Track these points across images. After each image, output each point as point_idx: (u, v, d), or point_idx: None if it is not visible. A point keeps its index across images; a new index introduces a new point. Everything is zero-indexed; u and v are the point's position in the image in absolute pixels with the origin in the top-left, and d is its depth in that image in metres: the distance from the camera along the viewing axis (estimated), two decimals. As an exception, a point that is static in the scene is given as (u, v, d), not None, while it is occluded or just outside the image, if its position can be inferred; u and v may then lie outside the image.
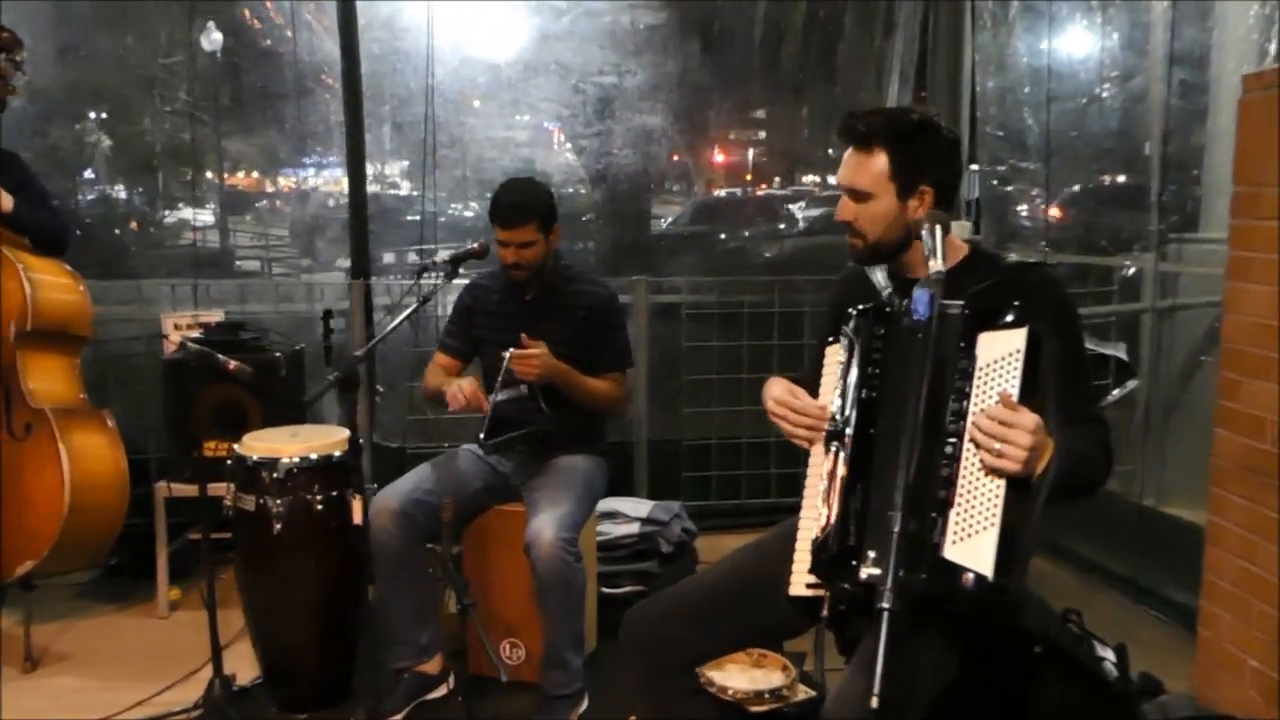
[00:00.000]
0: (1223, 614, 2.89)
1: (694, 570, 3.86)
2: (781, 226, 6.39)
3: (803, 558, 1.92)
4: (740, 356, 4.60)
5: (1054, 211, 4.68)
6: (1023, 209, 4.90)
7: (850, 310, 1.92)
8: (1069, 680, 2.38)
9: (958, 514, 1.67)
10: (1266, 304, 2.71)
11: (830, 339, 2.03)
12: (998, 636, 2.13)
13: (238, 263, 5.10)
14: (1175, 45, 3.90)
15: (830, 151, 5.36)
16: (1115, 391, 4.33)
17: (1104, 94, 4.50)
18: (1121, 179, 4.74)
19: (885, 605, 1.39)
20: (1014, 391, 1.68)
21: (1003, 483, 1.65)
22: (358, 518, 2.58)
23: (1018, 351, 1.70)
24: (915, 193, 1.99)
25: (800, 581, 1.91)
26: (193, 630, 3.58)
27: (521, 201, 3.07)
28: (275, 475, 2.88)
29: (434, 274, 2.93)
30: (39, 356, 3.47)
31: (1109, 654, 2.73)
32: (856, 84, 4.86)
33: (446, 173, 4.58)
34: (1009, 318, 1.73)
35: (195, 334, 3.83)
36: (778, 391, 2.02)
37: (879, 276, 2.07)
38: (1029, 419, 1.64)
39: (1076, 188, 4.82)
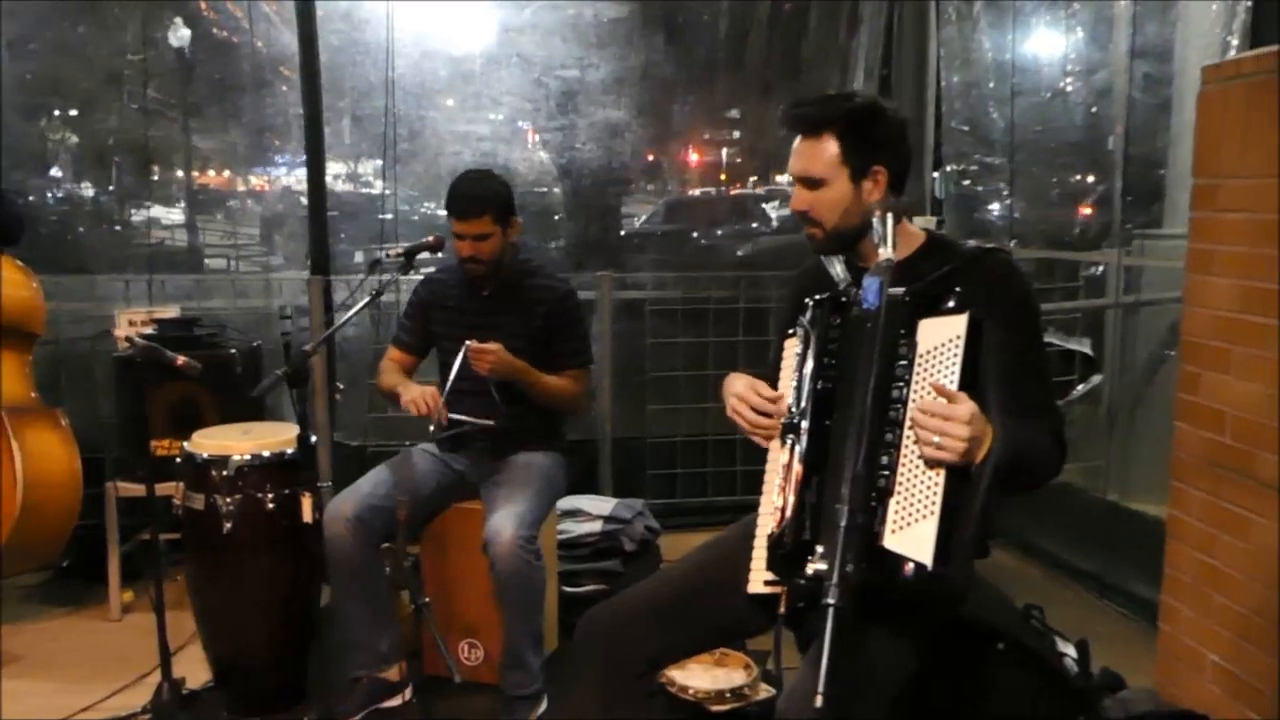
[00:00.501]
0: (1183, 608, 2.88)
1: (657, 569, 3.84)
2: (755, 225, 6.40)
3: (761, 555, 1.88)
4: (706, 353, 4.56)
5: (1019, 206, 4.68)
6: (991, 206, 4.90)
7: (807, 301, 1.88)
8: (1030, 676, 2.36)
9: (897, 502, 1.66)
10: (1227, 297, 2.70)
11: (789, 332, 2.00)
12: (958, 632, 2.12)
13: (206, 261, 5.01)
14: (1138, 40, 3.90)
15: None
16: (1080, 386, 4.35)
17: (1068, 88, 4.50)
18: (1086, 174, 4.76)
19: (831, 601, 1.35)
20: (954, 379, 1.66)
21: (942, 471, 1.64)
22: (308, 515, 2.53)
23: (958, 338, 1.69)
24: (869, 175, 1.97)
25: (758, 579, 1.88)
26: (145, 633, 3.48)
27: (477, 193, 3.02)
28: (226, 473, 2.82)
29: (388, 268, 2.88)
30: (-11, 354, 3.40)
31: (1070, 650, 2.72)
32: (822, 80, 4.83)
33: (408, 167, 4.51)
34: (950, 304, 1.71)
35: (148, 330, 3.77)
36: (739, 388, 1.99)
37: (837, 268, 2.03)
38: (965, 409, 1.62)
39: (1042, 183, 4.83)
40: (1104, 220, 4.41)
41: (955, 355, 1.67)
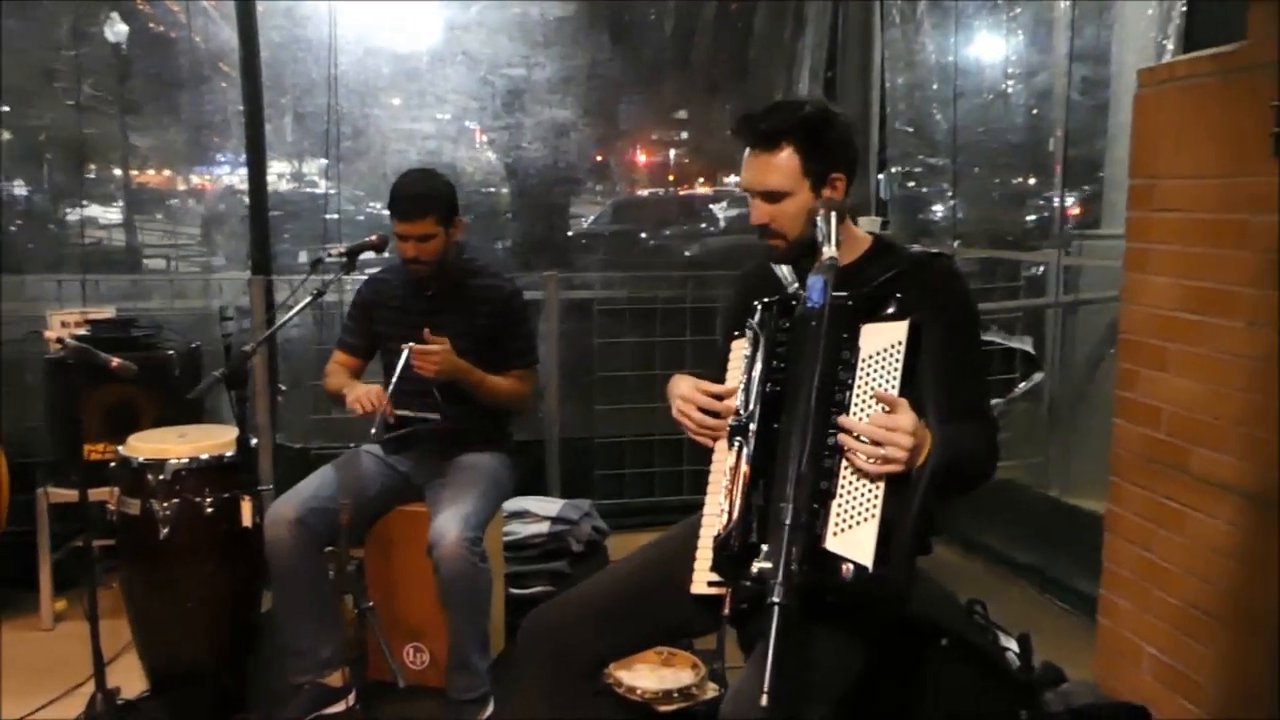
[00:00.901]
0: (1122, 602, 2.93)
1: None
2: (704, 226, 6.42)
3: (705, 556, 1.88)
4: (653, 352, 4.56)
5: (962, 207, 4.74)
6: (934, 207, 4.96)
7: (756, 304, 1.88)
8: (973, 671, 2.38)
9: (839, 505, 1.67)
10: (1163, 295, 2.75)
11: (735, 333, 2.00)
12: (902, 629, 2.13)
13: (145, 261, 4.91)
14: (1076, 43, 3.97)
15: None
16: (1021, 385, 4.41)
17: (1009, 90, 4.58)
18: (1027, 175, 4.83)
19: (776, 599, 1.35)
20: (894, 385, 1.69)
21: (880, 480, 1.67)
22: (248, 520, 2.48)
23: (899, 344, 1.71)
24: (829, 182, 1.97)
25: (702, 580, 1.88)
26: (79, 642, 3.37)
27: (420, 193, 2.98)
28: (162, 477, 2.75)
29: (330, 268, 2.83)
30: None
31: (1013, 644, 2.75)
32: (768, 80, 4.86)
33: (352, 166, 4.46)
34: (891, 310, 1.73)
35: (81, 331, 3.67)
36: (683, 388, 1.98)
37: (784, 270, 2.04)
38: (908, 419, 1.65)
39: (984, 183, 4.90)
40: (1045, 221, 4.48)
41: (896, 361, 1.70)
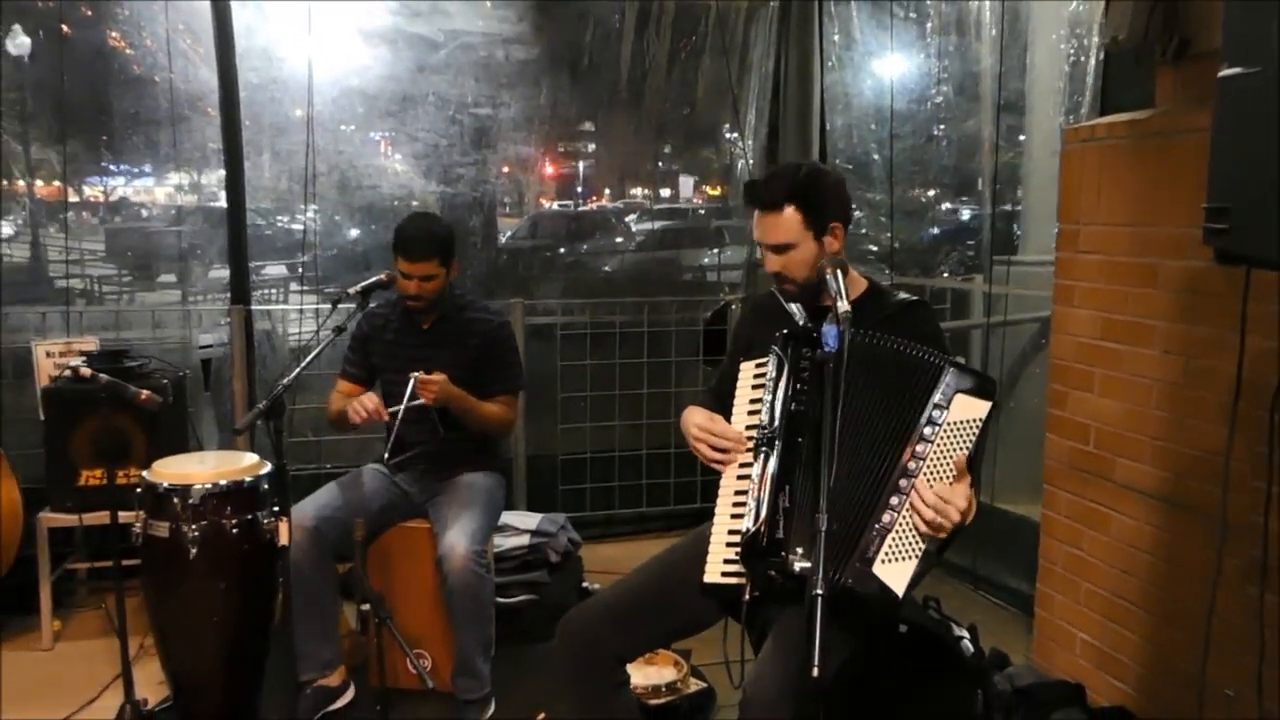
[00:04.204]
0: (1055, 595, 3.31)
1: (582, 578, 4.09)
2: (619, 240, 6.65)
3: (717, 550, 2.19)
4: (612, 374, 4.84)
5: (898, 239, 5.12)
6: (871, 238, 5.31)
7: (778, 334, 2.18)
8: (933, 657, 2.71)
9: (893, 539, 2.00)
10: (1087, 325, 3.14)
11: (742, 358, 2.30)
12: (877, 623, 2.45)
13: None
14: (1002, 98, 4.38)
15: (662, 165, 5.78)
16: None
17: (940, 133, 4.98)
18: (956, 209, 5.23)
19: (819, 592, 1.65)
20: (966, 451, 2.02)
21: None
22: (284, 539, 2.69)
23: (979, 420, 2.05)
24: (828, 230, 2.30)
25: (715, 570, 2.18)
26: (80, 660, 3.60)
27: (426, 236, 3.21)
28: (190, 501, 2.93)
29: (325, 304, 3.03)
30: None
31: (965, 634, 3.09)
32: (714, 118, 5.19)
33: (326, 200, 4.65)
34: (987, 388, 2.06)
35: (73, 362, 3.79)
36: (700, 419, 2.28)
37: (793, 306, 2.36)
38: (963, 498, 1.98)
39: (918, 217, 5.28)
40: (970, 250, 4.88)
41: (973, 433, 2.04)
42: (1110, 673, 3.04)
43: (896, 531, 2.01)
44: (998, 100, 4.39)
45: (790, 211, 2.27)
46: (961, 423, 2.05)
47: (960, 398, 2.05)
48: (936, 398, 2.05)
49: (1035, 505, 3.43)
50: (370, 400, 3.13)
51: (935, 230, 5.37)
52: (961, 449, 2.03)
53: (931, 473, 2.02)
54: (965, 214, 5.13)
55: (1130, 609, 2.97)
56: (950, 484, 2.01)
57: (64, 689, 3.34)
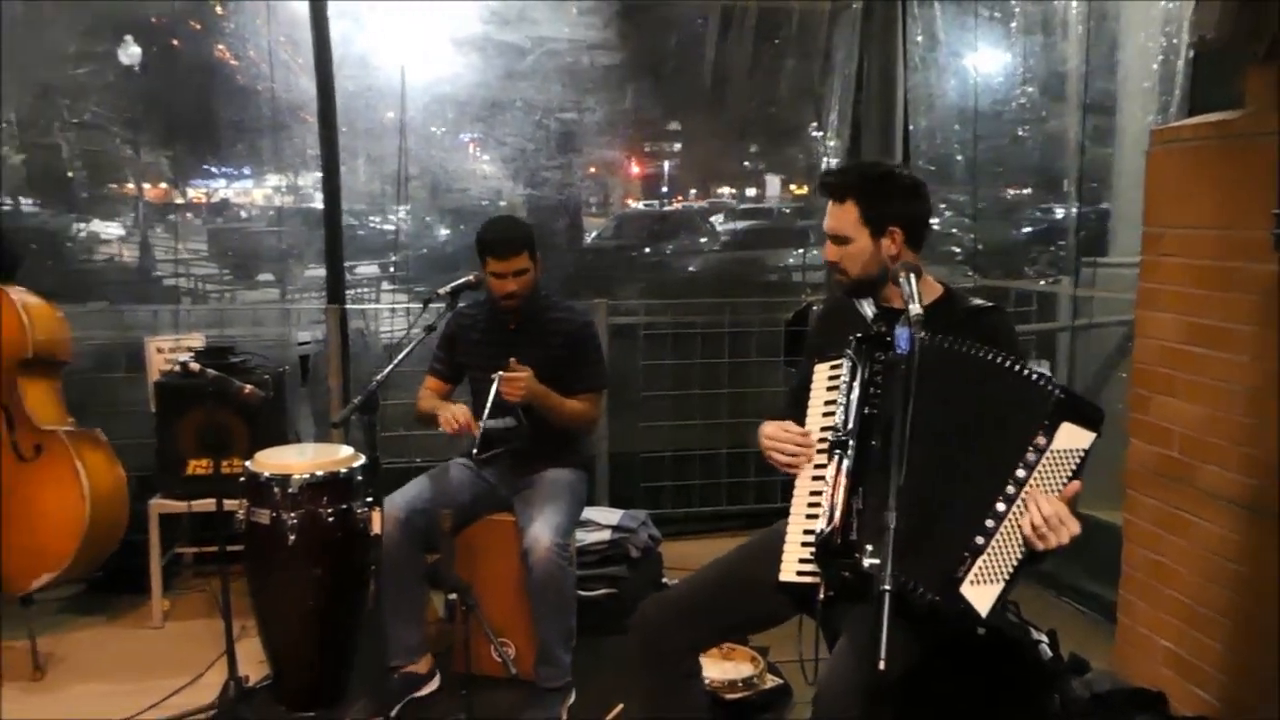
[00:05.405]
0: (1137, 601, 3.28)
1: (660, 573, 4.17)
2: (703, 240, 6.72)
3: (793, 549, 2.24)
4: (693, 373, 4.91)
5: (981, 240, 5.10)
6: (955, 239, 5.30)
7: (851, 337, 2.20)
8: (1013, 661, 2.73)
9: (984, 560, 2.02)
10: (1170, 329, 3.11)
11: (816, 360, 2.35)
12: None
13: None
14: (1088, 97, 4.34)
15: (748, 164, 5.82)
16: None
17: (1025, 134, 4.94)
18: (1042, 210, 5.18)
19: (887, 588, 1.70)
20: (1065, 480, 2.03)
21: (1023, 548, 2.03)
22: (377, 528, 2.82)
23: (1083, 450, 2.05)
24: (886, 233, 2.33)
25: (791, 569, 2.23)
26: (187, 638, 3.80)
27: (513, 234, 3.34)
28: (290, 490, 3.10)
29: (416, 303, 3.16)
30: (34, 382, 3.65)
31: (1044, 638, 3.10)
32: (799, 118, 5.22)
33: (418, 202, 4.81)
34: (1095, 418, 2.06)
35: (182, 357, 4.00)
36: (771, 429, 2.34)
37: (867, 309, 2.40)
38: (1076, 524, 1.99)
39: (1002, 219, 5.24)
40: (1056, 251, 4.83)
41: (1074, 462, 2.04)
42: (1192, 681, 3.01)
43: (989, 554, 2.02)
44: (1084, 100, 4.35)
45: (850, 205, 2.32)
46: (1065, 451, 2.05)
47: (1068, 425, 2.05)
48: (1043, 421, 2.04)
49: (1117, 510, 3.40)
50: (463, 414, 3.25)
51: (1021, 231, 5.32)
52: (1062, 475, 2.04)
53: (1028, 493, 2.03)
54: (1054, 214, 5.07)
55: (1213, 617, 2.93)
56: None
57: (173, 665, 3.54)
